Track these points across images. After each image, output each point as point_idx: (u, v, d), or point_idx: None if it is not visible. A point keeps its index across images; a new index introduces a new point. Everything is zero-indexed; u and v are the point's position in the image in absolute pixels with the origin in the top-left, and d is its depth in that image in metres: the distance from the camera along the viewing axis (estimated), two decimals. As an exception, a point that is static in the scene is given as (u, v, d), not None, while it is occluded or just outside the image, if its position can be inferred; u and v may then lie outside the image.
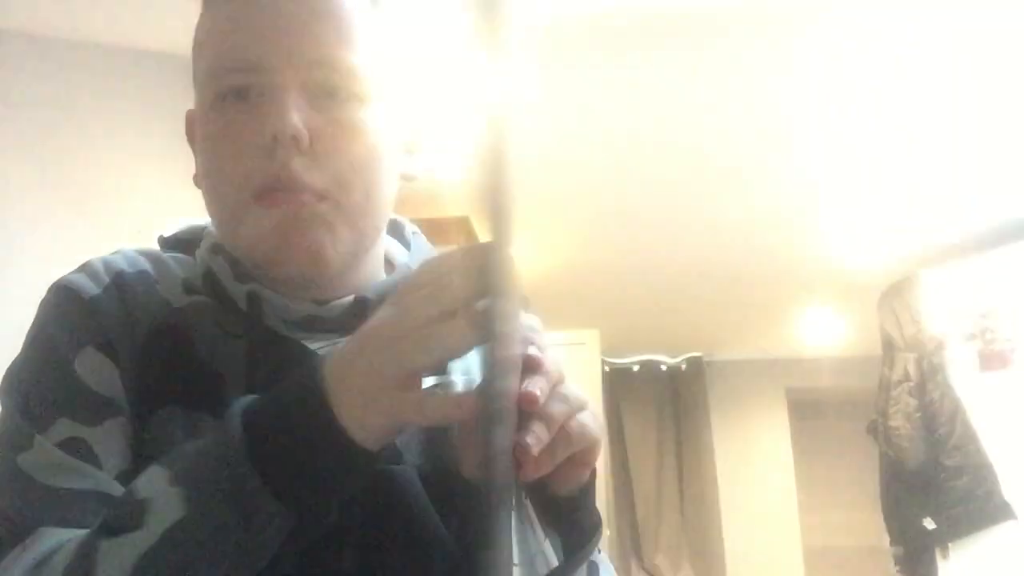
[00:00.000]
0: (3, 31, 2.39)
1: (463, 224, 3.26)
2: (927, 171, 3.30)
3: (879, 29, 2.48)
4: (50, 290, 0.66)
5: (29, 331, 0.65)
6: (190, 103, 0.69)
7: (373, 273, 0.72)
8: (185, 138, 0.73)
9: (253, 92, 0.63)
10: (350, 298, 0.67)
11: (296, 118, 0.61)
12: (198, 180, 0.69)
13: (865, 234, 3.86)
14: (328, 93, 0.63)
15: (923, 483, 3.68)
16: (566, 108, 2.85)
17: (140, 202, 2.61)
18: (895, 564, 3.91)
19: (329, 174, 0.63)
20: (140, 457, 0.61)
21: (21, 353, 0.64)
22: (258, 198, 0.62)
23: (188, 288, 0.68)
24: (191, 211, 0.76)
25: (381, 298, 0.66)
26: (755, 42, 2.55)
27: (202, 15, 0.68)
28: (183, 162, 0.70)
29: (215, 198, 0.66)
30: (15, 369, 0.63)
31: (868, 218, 3.72)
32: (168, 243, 0.74)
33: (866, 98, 2.80)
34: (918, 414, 3.71)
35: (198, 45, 0.67)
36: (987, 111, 2.88)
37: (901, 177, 3.35)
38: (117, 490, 0.58)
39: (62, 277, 0.66)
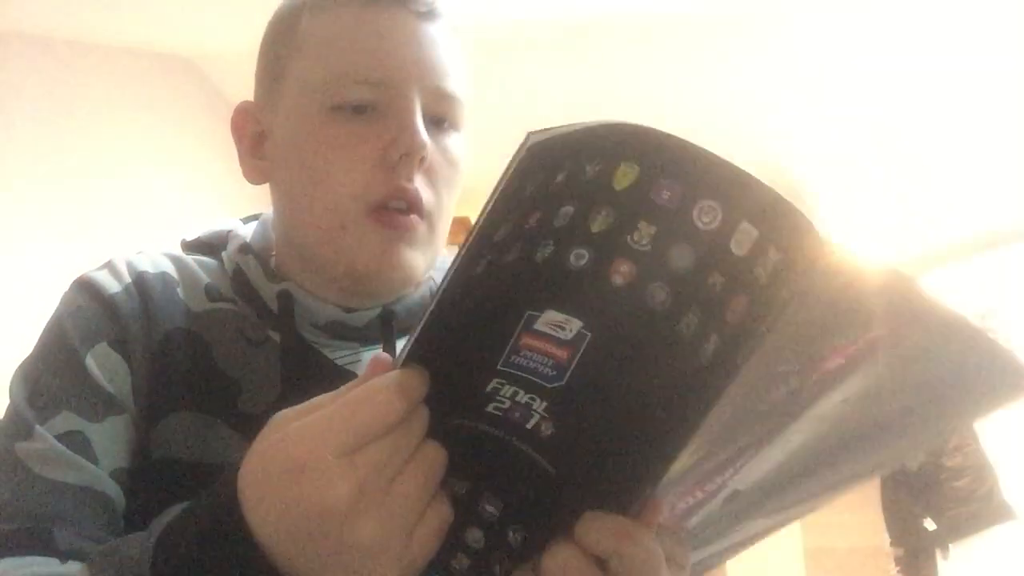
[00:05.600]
0: (3, 31, 2.39)
1: (463, 224, 3.26)
2: (927, 171, 3.30)
3: (878, 30, 2.48)
4: (71, 285, 0.66)
5: (47, 323, 0.65)
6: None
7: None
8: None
9: (371, 107, 0.64)
10: (377, 309, 0.68)
11: (427, 137, 0.63)
12: (254, 177, 0.70)
13: (865, 235, 3.86)
14: (437, 120, 0.66)
15: (924, 484, 3.68)
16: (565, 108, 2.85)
17: (142, 202, 2.61)
18: (895, 565, 3.91)
19: (432, 196, 0.65)
20: (148, 460, 0.61)
21: (36, 344, 0.64)
22: (371, 214, 0.63)
23: (211, 294, 0.68)
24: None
25: (408, 313, 0.68)
26: (752, 42, 2.55)
27: (315, 10, 0.67)
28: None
29: (314, 205, 0.65)
30: (28, 359, 0.64)
31: (867, 219, 3.72)
32: (191, 246, 0.74)
33: (866, 97, 2.80)
34: (918, 415, 3.71)
35: (308, 42, 0.66)
36: (987, 110, 2.88)
37: (901, 177, 3.35)
38: (110, 487, 0.59)
39: (84, 273, 0.67)
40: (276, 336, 0.66)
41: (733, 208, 0.38)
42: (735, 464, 0.47)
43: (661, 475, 0.43)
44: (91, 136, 2.63)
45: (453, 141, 0.67)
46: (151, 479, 0.61)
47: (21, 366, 0.64)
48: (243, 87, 0.76)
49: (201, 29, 2.60)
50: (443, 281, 0.40)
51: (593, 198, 0.39)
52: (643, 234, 0.39)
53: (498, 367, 0.43)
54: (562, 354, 0.42)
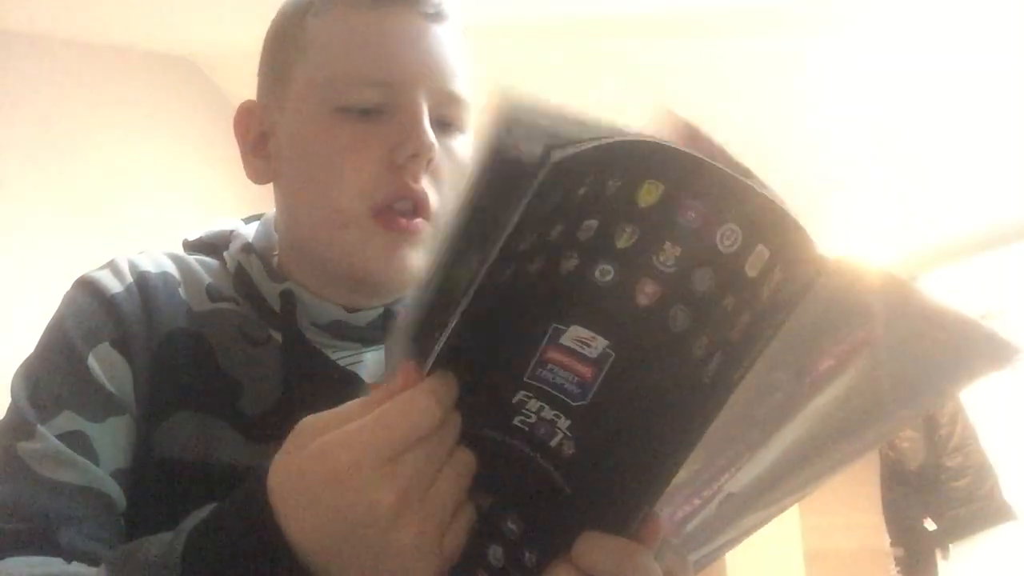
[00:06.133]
0: (3, 31, 2.39)
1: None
2: (927, 171, 3.30)
3: (877, 33, 2.48)
4: (73, 285, 0.66)
5: (49, 323, 0.65)
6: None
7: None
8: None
9: (378, 109, 0.64)
10: (379, 309, 0.68)
11: (434, 139, 0.63)
12: (257, 177, 0.69)
13: (864, 235, 3.86)
14: (444, 123, 0.66)
15: (924, 484, 3.68)
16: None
17: (142, 201, 2.61)
18: (896, 565, 3.91)
19: (438, 198, 0.65)
20: (149, 460, 0.61)
21: (38, 344, 0.64)
22: (377, 215, 0.63)
23: (213, 294, 0.68)
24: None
25: None
26: (757, 44, 2.55)
27: (320, 10, 0.67)
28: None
29: (318, 204, 0.65)
30: (30, 359, 0.64)
31: (868, 219, 3.72)
32: (193, 246, 0.74)
33: (867, 99, 2.80)
34: (918, 415, 3.71)
35: (314, 42, 0.66)
36: (987, 110, 2.88)
37: (901, 178, 3.35)
38: (111, 488, 0.59)
39: (86, 273, 0.67)
40: (278, 336, 0.66)
41: (753, 231, 0.38)
42: (730, 469, 0.47)
43: (661, 493, 0.43)
44: (91, 136, 2.63)
45: (459, 143, 0.67)
46: (152, 479, 0.61)
47: (23, 366, 0.64)
48: (243, 87, 0.76)
49: (201, 29, 2.60)
50: (467, 288, 0.39)
51: (617, 214, 0.39)
52: (668, 255, 0.39)
53: (524, 379, 0.42)
54: (587, 372, 0.41)
